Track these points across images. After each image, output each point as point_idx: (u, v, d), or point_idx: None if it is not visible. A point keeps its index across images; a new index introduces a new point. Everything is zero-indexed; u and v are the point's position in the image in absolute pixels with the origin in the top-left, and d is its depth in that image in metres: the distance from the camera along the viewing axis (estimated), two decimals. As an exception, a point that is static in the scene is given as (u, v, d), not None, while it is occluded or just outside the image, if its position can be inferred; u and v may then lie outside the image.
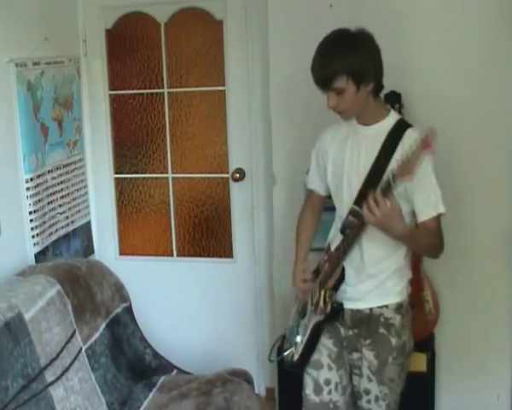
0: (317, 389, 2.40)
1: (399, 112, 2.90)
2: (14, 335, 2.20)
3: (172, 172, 3.50)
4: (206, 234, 3.53)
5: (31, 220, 2.89)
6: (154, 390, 2.73)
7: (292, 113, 3.13)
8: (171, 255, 3.57)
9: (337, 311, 2.33)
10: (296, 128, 3.10)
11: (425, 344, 2.99)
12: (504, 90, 2.89)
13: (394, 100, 2.91)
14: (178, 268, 3.56)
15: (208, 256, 3.54)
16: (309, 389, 2.42)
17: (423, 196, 2.20)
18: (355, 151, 2.26)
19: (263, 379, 3.49)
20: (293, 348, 2.45)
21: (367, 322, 2.33)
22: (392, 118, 2.26)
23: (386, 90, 2.90)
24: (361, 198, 2.14)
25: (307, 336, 2.38)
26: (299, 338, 2.42)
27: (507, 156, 2.94)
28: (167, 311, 3.55)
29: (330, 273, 2.32)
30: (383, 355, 2.32)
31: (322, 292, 2.34)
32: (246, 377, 2.82)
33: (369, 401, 2.38)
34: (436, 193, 2.21)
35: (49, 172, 3.05)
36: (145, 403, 2.64)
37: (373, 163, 2.19)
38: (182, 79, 3.40)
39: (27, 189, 2.87)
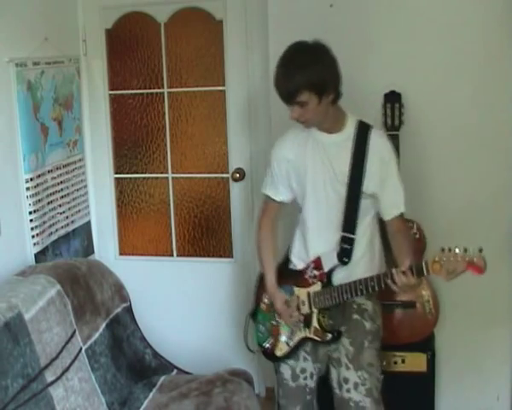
0: (294, 377, 2.57)
1: (399, 112, 2.91)
2: (14, 335, 2.20)
3: (172, 172, 3.50)
4: (206, 234, 3.53)
5: (31, 220, 2.89)
6: (154, 390, 2.73)
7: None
8: (171, 255, 3.58)
9: (336, 339, 2.46)
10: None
11: (425, 344, 3.00)
12: (504, 90, 2.89)
13: (394, 100, 2.92)
14: (178, 268, 3.56)
15: (208, 256, 3.54)
16: (287, 375, 2.58)
17: (389, 197, 2.39)
18: (318, 158, 2.38)
19: (263, 379, 3.49)
20: (271, 340, 2.59)
21: (342, 311, 2.47)
22: (350, 124, 2.38)
23: (386, 90, 2.93)
24: (349, 208, 2.35)
25: (295, 342, 2.53)
26: (284, 338, 2.56)
27: (507, 156, 2.94)
28: (167, 311, 3.55)
29: (323, 296, 2.44)
30: (359, 340, 2.44)
31: (315, 311, 2.47)
32: (246, 377, 2.82)
33: (348, 390, 2.45)
34: (400, 194, 2.39)
35: (49, 172, 3.05)
36: (145, 403, 2.64)
37: (350, 171, 2.34)
38: (182, 79, 3.41)
39: (27, 189, 2.87)
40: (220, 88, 3.35)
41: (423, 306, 2.97)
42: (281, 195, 2.54)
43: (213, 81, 3.36)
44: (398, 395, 2.97)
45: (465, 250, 2.10)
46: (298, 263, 2.54)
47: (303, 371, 2.57)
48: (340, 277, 2.41)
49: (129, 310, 2.88)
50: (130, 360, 2.80)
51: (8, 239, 2.77)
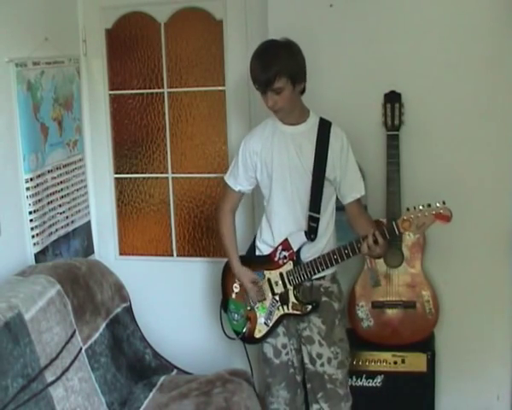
0: (277, 353, 2.75)
1: (399, 112, 2.91)
2: (13, 335, 2.20)
3: (172, 172, 3.50)
4: (206, 234, 3.53)
5: (31, 220, 2.89)
6: (154, 390, 2.73)
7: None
8: (171, 255, 3.58)
9: (316, 308, 2.65)
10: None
11: (425, 344, 3.00)
12: (504, 90, 2.89)
13: (394, 100, 2.92)
14: (178, 268, 3.55)
15: (208, 256, 3.54)
16: (270, 354, 2.76)
17: (349, 182, 2.61)
18: (284, 148, 2.59)
19: (263, 379, 3.48)
20: (248, 325, 2.75)
21: (310, 294, 2.67)
22: (313, 116, 2.62)
23: (386, 90, 2.93)
24: (314, 192, 2.56)
25: (273, 321, 2.69)
26: (262, 320, 2.71)
27: (507, 156, 2.94)
28: (167, 311, 3.55)
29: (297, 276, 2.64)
30: (330, 319, 2.67)
31: (291, 288, 2.65)
32: (246, 377, 2.82)
33: (322, 365, 2.68)
34: (359, 178, 2.64)
35: (49, 172, 3.05)
36: (145, 403, 2.64)
37: (314, 159, 2.56)
38: (182, 78, 3.41)
39: (27, 189, 2.87)
40: (220, 88, 3.35)
41: (423, 306, 2.97)
42: (240, 185, 2.73)
43: (213, 81, 3.36)
44: (398, 395, 2.98)
45: (429, 205, 2.37)
46: (265, 249, 2.72)
47: (284, 346, 2.74)
48: (307, 254, 2.62)
49: (129, 310, 2.88)
50: (130, 360, 2.80)
51: (8, 239, 2.77)
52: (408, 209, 2.41)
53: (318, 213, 2.60)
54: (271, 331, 2.72)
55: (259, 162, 2.66)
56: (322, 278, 2.68)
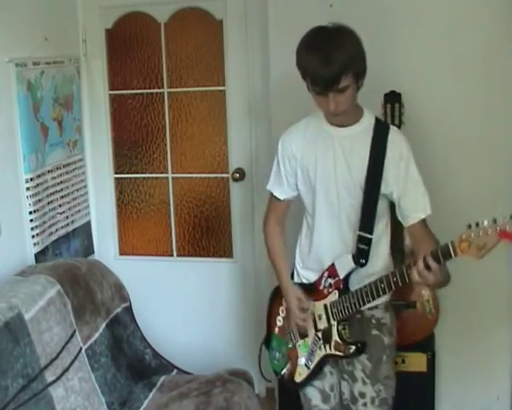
0: (326, 398, 2.39)
1: (399, 112, 2.91)
2: (14, 335, 2.20)
3: (172, 172, 3.50)
4: (206, 234, 3.53)
5: (31, 220, 2.89)
6: (154, 390, 2.73)
7: (292, 113, 3.11)
8: (171, 255, 3.58)
9: (361, 351, 2.25)
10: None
11: (425, 344, 2.99)
12: (504, 90, 2.89)
13: (394, 100, 2.92)
14: (178, 268, 3.56)
15: (208, 256, 3.54)
16: (316, 400, 2.40)
17: (411, 200, 2.17)
18: (330, 154, 2.18)
19: (263, 379, 3.48)
20: (287, 366, 2.42)
21: (359, 327, 2.29)
22: (368, 117, 2.20)
23: (386, 90, 2.93)
24: (366, 209, 2.15)
25: (315, 363, 2.33)
26: (302, 361, 2.36)
27: (507, 156, 2.94)
28: (167, 311, 3.55)
29: (342, 309, 2.23)
30: (377, 356, 2.29)
31: (335, 324, 2.26)
32: (246, 377, 2.82)
33: (365, 404, 2.32)
34: (424, 194, 2.19)
35: (49, 172, 3.05)
36: (145, 403, 2.64)
37: (367, 169, 2.13)
38: (182, 79, 3.41)
39: (27, 189, 2.87)
40: (220, 88, 3.35)
41: (423, 306, 2.97)
42: (285, 194, 2.36)
43: (213, 81, 3.36)
44: (398, 395, 2.97)
45: (494, 221, 1.88)
46: (308, 275, 2.34)
47: (332, 387, 2.38)
48: (357, 282, 2.21)
49: (129, 310, 2.88)
50: (130, 360, 2.80)
51: (8, 239, 2.77)
52: (469, 226, 1.93)
53: (371, 233, 2.17)
54: (315, 373, 2.35)
55: (300, 170, 2.25)
56: (375, 307, 2.27)
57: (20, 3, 2.89)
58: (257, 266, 3.44)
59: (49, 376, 2.31)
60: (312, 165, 2.22)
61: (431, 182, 2.97)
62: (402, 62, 2.95)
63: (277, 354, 2.47)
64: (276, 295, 2.48)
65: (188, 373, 2.92)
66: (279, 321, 2.47)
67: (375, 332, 2.29)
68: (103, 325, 2.69)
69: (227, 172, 3.42)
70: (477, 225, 1.90)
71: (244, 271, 3.47)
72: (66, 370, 2.40)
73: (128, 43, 3.43)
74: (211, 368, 2.91)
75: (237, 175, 3.37)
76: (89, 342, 2.57)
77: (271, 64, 3.10)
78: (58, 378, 2.34)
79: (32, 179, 2.89)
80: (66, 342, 2.44)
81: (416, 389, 2.97)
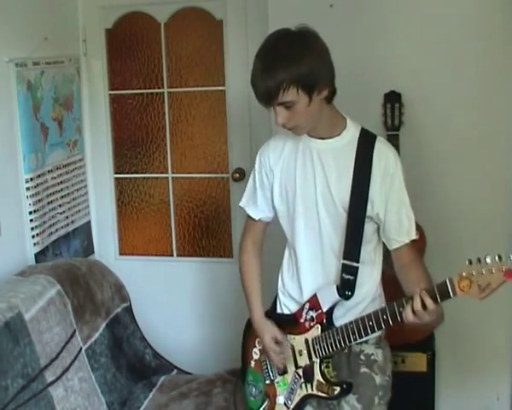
0: None
1: (399, 112, 2.91)
2: (14, 335, 2.20)
3: (172, 172, 3.49)
4: (206, 234, 3.53)
5: (31, 220, 2.89)
6: (154, 390, 2.73)
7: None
8: (171, 255, 3.57)
9: (347, 392, 2.03)
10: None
11: (425, 344, 2.99)
12: (504, 90, 2.88)
13: (394, 100, 2.92)
14: (178, 268, 3.55)
15: (208, 256, 3.54)
16: None
17: (395, 221, 1.96)
18: (310, 170, 1.98)
19: None
20: (266, 404, 2.19)
21: (347, 363, 2.08)
22: (352, 128, 1.98)
23: (386, 90, 2.93)
24: (350, 234, 1.93)
25: (295, 403, 2.10)
26: (281, 400, 2.14)
27: (507, 156, 2.94)
28: (167, 311, 3.55)
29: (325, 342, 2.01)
30: (368, 396, 2.06)
31: (317, 361, 2.03)
32: (246, 377, 2.82)
33: None
34: (407, 215, 1.98)
35: (49, 172, 3.05)
36: (145, 403, 2.64)
37: (351, 189, 1.92)
38: (182, 79, 3.40)
39: (27, 189, 2.87)
40: (220, 88, 3.35)
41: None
42: (260, 213, 2.15)
43: (213, 81, 3.36)
44: (398, 395, 2.97)
45: (499, 258, 1.69)
46: (289, 305, 2.13)
47: None
48: (341, 314, 2.01)
49: (129, 310, 2.88)
50: (130, 360, 2.80)
51: (8, 239, 2.77)
52: (470, 262, 1.72)
53: (357, 261, 1.95)
54: None
55: (278, 187, 2.04)
56: (365, 342, 2.05)
57: (20, 3, 2.89)
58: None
59: (49, 376, 2.31)
60: (291, 183, 2.01)
61: (430, 182, 2.99)
62: (402, 62, 2.95)
63: (254, 389, 2.24)
64: (251, 326, 2.24)
65: (188, 373, 2.92)
66: (255, 354, 2.25)
67: (364, 370, 2.07)
68: (103, 325, 2.69)
69: (227, 173, 3.42)
70: (479, 260, 1.71)
71: (244, 271, 3.46)
72: (66, 370, 2.40)
73: (128, 43, 3.43)
74: (211, 368, 2.91)
75: (237, 175, 3.37)
76: (89, 342, 2.57)
77: (271, 64, 3.10)
78: (58, 378, 2.34)
79: (31, 179, 2.89)
80: (66, 342, 2.44)
81: (416, 389, 2.97)
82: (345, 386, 2.02)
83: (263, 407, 2.20)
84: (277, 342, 2.10)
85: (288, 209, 2.05)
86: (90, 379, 2.51)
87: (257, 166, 2.12)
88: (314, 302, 2.03)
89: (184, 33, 3.35)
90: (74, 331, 2.51)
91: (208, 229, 3.52)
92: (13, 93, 2.79)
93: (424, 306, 1.76)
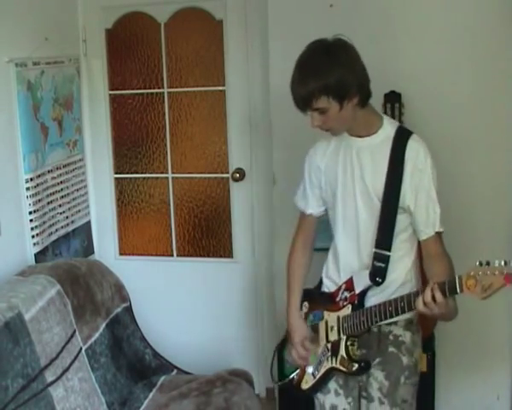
0: None
1: (399, 112, 2.91)
2: (14, 335, 2.20)
3: (172, 172, 3.50)
4: (206, 234, 3.53)
5: (31, 220, 2.89)
6: (154, 390, 2.73)
7: (292, 113, 3.11)
8: (171, 255, 3.57)
9: (364, 370, 2.18)
10: (296, 128, 3.10)
11: (425, 344, 2.97)
12: (504, 90, 2.89)
13: (394, 100, 2.92)
14: (178, 268, 3.56)
15: (208, 256, 3.54)
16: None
17: (422, 213, 2.11)
18: (348, 166, 2.16)
19: (263, 379, 3.48)
20: (297, 371, 2.36)
21: (377, 342, 2.21)
22: (388, 127, 2.14)
23: (386, 90, 2.93)
24: (383, 224, 2.09)
25: (321, 374, 2.27)
26: (310, 369, 2.31)
27: (507, 156, 2.94)
28: (167, 311, 3.55)
29: (353, 324, 2.16)
30: (395, 375, 2.20)
31: (344, 338, 2.19)
32: (246, 378, 2.82)
33: None
34: (433, 207, 2.12)
35: (49, 172, 3.05)
36: (145, 403, 2.64)
37: (385, 182, 2.09)
38: (182, 79, 3.41)
39: (27, 189, 2.87)
40: (220, 88, 3.35)
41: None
42: (311, 208, 2.31)
43: (213, 81, 3.36)
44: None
45: (505, 263, 1.81)
46: (330, 285, 2.30)
47: (333, 407, 2.29)
48: (374, 299, 2.14)
49: (129, 310, 2.88)
50: (130, 360, 2.80)
51: (8, 239, 2.77)
52: (481, 264, 1.86)
53: (389, 249, 2.10)
54: (319, 385, 2.28)
55: (324, 181, 2.24)
56: (394, 323, 2.18)
57: (21, 3, 2.89)
58: (257, 266, 3.45)
59: (49, 376, 2.31)
60: (334, 176, 2.19)
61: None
62: (402, 62, 2.95)
63: (290, 358, 2.39)
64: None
65: (188, 373, 2.92)
66: None
67: (391, 349, 2.21)
68: (103, 325, 2.69)
69: (227, 173, 3.42)
70: (487, 263, 1.85)
71: (244, 271, 3.47)
72: (66, 370, 2.40)
73: (128, 43, 3.43)
74: (211, 368, 2.91)
75: (237, 175, 3.37)
76: (89, 342, 2.57)
77: (271, 64, 3.10)
78: (58, 378, 2.34)
79: (31, 179, 2.89)
80: (66, 342, 2.44)
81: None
82: (363, 364, 2.17)
83: (295, 373, 2.38)
84: (304, 346, 2.28)
85: (331, 200, 2.23)
86: (90, 379, 2.51)
87: (306, 163, 2.30)
88: (350, 284, 2.20)
89: (184, 33, 3.35)
90: (74, 331, 2.51)
91: (208, 229, 3.52)
92: (13, 93, 2.79)
93: (434, 298, 1.90)
